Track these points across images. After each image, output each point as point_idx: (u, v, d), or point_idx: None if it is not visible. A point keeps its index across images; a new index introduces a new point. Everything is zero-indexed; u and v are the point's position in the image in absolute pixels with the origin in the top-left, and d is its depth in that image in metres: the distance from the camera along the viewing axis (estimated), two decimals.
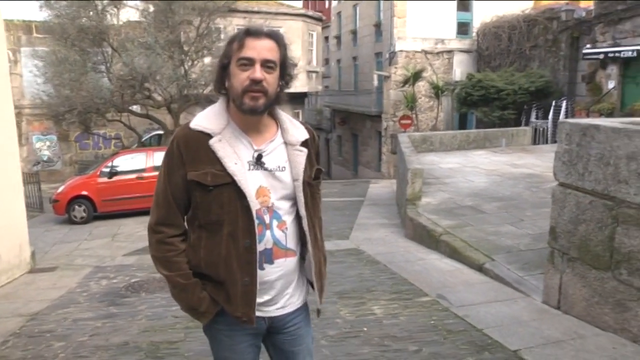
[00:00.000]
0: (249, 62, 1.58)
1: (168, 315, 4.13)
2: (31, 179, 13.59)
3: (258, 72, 1.58)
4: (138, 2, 12.97)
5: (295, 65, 1.74)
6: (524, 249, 5.24)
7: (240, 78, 1.59)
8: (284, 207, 1.70)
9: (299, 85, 21.07)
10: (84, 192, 11.40)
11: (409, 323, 3.79)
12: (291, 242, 1.72)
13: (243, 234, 1.62)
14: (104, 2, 12.32)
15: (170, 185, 1.67)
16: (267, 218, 1.66)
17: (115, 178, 11.46)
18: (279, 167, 1.69)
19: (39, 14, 13.01)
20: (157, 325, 3.96)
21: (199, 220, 1.67)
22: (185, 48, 13.55)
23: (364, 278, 5.16)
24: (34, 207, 13.15)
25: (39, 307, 4.72)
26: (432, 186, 8.93)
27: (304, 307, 1.84)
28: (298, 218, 1.73)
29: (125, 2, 12.76)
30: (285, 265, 1.71)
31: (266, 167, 1.66)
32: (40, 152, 19.41)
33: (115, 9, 12.58)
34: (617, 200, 3.29)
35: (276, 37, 1.64)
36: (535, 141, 13.76)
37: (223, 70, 1.65)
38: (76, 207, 11.34)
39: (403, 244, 6.89)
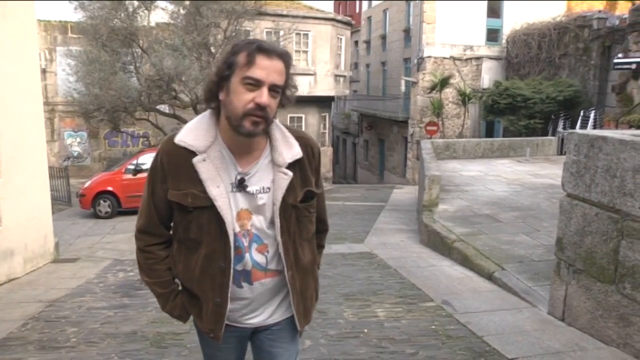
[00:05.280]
0: (256, 84, 1.47)
1: None
2: (61, 173, 14.09)
3: (265, 97, 1.47)
4: (168, 4, 13.30)
5: (296, 88, 1.62)
6: (536, 260, 5.19)
7: (243, 98, 1.48)
8: (265, 230, 1.64)
9: (326, 88, 21.17)
10: (109, 188, 11.80)
11: (409, 327, 3.82)
12: (274, 264, 1.67)
13: (219, 256, 1.60)
14: (135, 3, 12.68)
15: (153, 196, 1.66)
16: (245, 241, 1.62)
17: (139, 175, 11.76)
18: (262, 188, 1.62)
19: (74, 14, 13.49)
20: (165, 317, 4.03)
21: (179, 234, 1.67)
22: (213, 50, 13.82)
23: (372, 281, 5.20)
24: (62, 201, 13.63)
25: (58, 295, 4.93)
26: (450, 193, 8.89)
27: (291, 317, 1.77)
28: None
29: (156, 3, 13.09)
30: (265, 284, 1.68)
31: (248, 190, 1.60)
32: (71, 148, 20.09)
33: (145, 11, 12.95)
34: (622, 213, 3.26)
35: (286, 59, 1.53)
36: (560, 151, 13.51)
37: (221, 81, 1.52)
38: (101, 202, 11.74)
39: (417, 249, 6.90)
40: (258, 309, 1.71)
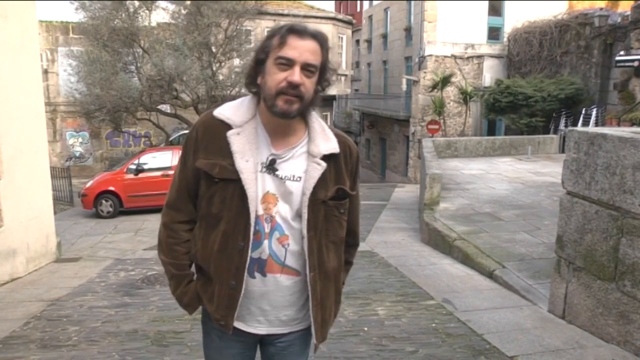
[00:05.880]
0: (289, 63, 1.47)
1: (178, 308, 4.24)
2: (63, 173, 14.12)
3: (297, 76, 1.47)
4: (169, 4, 13.34)
5: (335, 70, 1.61)
6: (536, 258, 5.20)
7: (276, 78, 1.48)
8: (289, 220, 1.58)
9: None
10: (111, 188, 11.81)
11: (410, 325, 3.83)
12: (292, 261, 1.59)
13: (238, 235, 1.54)
14: (136, 3, 12.73)
15: (184, 168, 1.63)
16: (267, 227, 1.56)
17: (141, 175, 11.83)
18: (293, 176, 1.57)
19: (76, 15, 13.53)
20: (166, 316, 4.11)
21: (201, 210, 1.62)
22: (214, 50, 13.86)
23: (373, 280, 5.21)
24: (64, 201, 13.66)
25: (60, 294, 4.94)
26: (452, 192, 8.89)
27: (306, 330, 1.71)
28: None
29: (157, 3, 13.14)
30: (279, 281, 1.59)
31: (277, 173, 1.55)
32: (73, 148, 20.15)
33: (146, 11, 12.98)
34: (622, 210, 3.26)
35: (321, 39, 1.52)
36: (562, 149, 13.49)
37: (258, 65, 1.54)
38: (103, 201, 11.76)
39: (418, 248, 6.90)
40: (269, 311, 1.63)
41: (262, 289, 1.59)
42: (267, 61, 1.50)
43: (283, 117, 1.51)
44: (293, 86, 1.46)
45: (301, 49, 1.47)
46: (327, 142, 1.60)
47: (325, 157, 1.58)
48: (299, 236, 1.58)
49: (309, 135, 1.60)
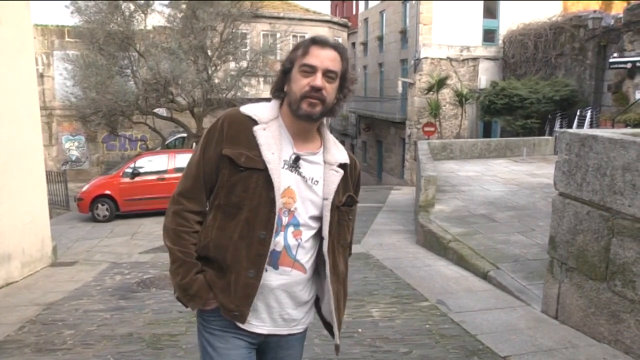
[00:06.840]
0: (311, 70, 1.59)
1: (173, 311, 4.30)
2: (59, 177, 14.07)
3: (319, 80, 1.59)
4: (164, 8, 13.38)
5: (355, 79, 1.73)
6: (530, 259, 5.23)
7: (300, 83, 1.60)
8: (305, 217, 1.65)
9: None
10: (107, 192, 11.76)
11: (404, 326, 3.85)
12: (302, 256, 1.66)
13: (260, 224, 1.58)
14: (131, 7, 12.74)
15: (204, 158, 1.65)
16: (285, 220, 1.62)
17: (137, 179, 11.81)
18: (312, 179, 1.66)
19: (71, 19, 13.55)
20: (161, 319, 4.12)
21: (218, 200, 1.63)
22: (209, 53, 13.87)
23: (368, 282, 5.23)
24: (60, 205, 13.61)
25: (55, 298, 4.95)
26: (447, 194, 8.92)
27: (304, 333, 1.79)
28: (318, 238, 1.69)
29: (153, 6, 13.16)
30: (291, 276, 1.64)
31: (300, 171, 1.64)
32: (69, 152, 20.12)
33: (142, 15, 13.01)
34: (612, 211, 3.30)
35: (340, 50, 1.65)
36: (557, 151, 13.56)
37: (284, 75, 1.66)
38: (99, 205, 11.70)
39: (413, 250, 6.92)
40: (275, 309, 1.66)
41: (272, 283, 1.62)
42: (293, 70, 1.63)
43: (307, 119, 1.62)
44: (315, 89, 1.58)
45: (322, 57, 1.60)
46: (340, 152, 1.73)
47: (339, 166, 1.71)
48: (311, 235, 1.66)
49: (324, 145, 1.72)
